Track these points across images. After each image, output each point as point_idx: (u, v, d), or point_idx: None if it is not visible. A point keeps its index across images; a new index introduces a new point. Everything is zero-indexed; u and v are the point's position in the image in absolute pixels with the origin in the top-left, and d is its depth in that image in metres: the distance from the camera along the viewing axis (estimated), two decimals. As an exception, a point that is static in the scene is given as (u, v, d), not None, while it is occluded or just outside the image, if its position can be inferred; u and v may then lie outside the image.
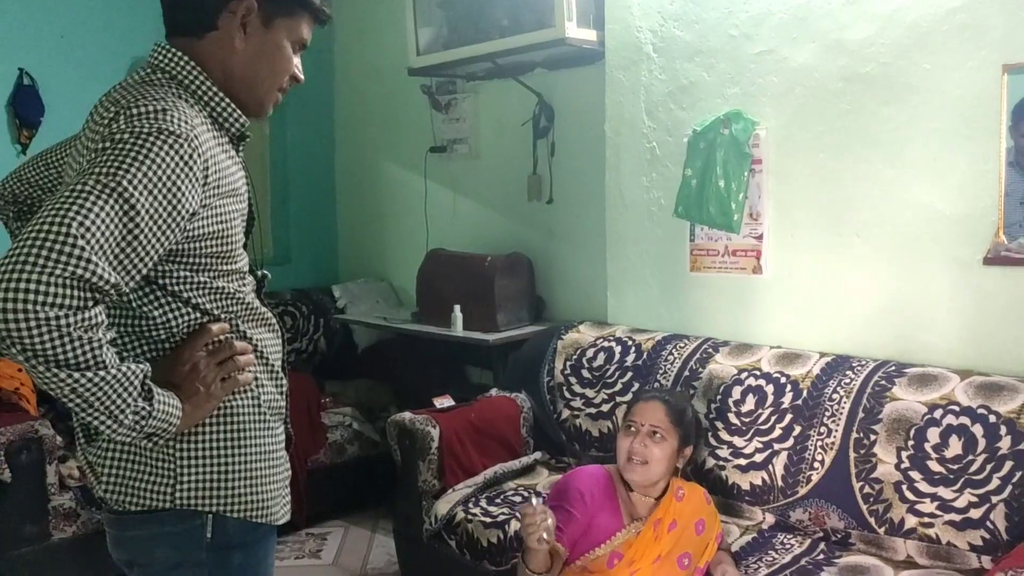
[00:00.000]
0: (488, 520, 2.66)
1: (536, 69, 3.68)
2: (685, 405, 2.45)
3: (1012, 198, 2.43)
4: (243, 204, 1.38)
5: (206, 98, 1.36)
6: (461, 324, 3.55)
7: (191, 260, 1.31)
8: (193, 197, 1.24)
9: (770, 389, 2.70)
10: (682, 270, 3.14)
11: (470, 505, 2.77)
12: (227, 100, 1.38)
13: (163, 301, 1.32)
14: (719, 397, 2.77)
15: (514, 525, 2.60)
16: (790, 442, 2.60)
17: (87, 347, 1.12)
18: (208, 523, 1.35)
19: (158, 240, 1.20)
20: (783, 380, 2.69)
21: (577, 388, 3.11)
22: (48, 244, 1.08)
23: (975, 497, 2.27)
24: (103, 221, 1.12)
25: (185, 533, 1.34)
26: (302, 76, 1.47)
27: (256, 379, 1.40)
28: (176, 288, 1.32)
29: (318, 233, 4.75)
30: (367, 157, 4.60)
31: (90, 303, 1.12)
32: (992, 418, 2.30)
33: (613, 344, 3.13)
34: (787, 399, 2.65)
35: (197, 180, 1.24)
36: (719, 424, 2.74)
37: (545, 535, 1.97)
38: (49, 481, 2.86)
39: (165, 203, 1.19)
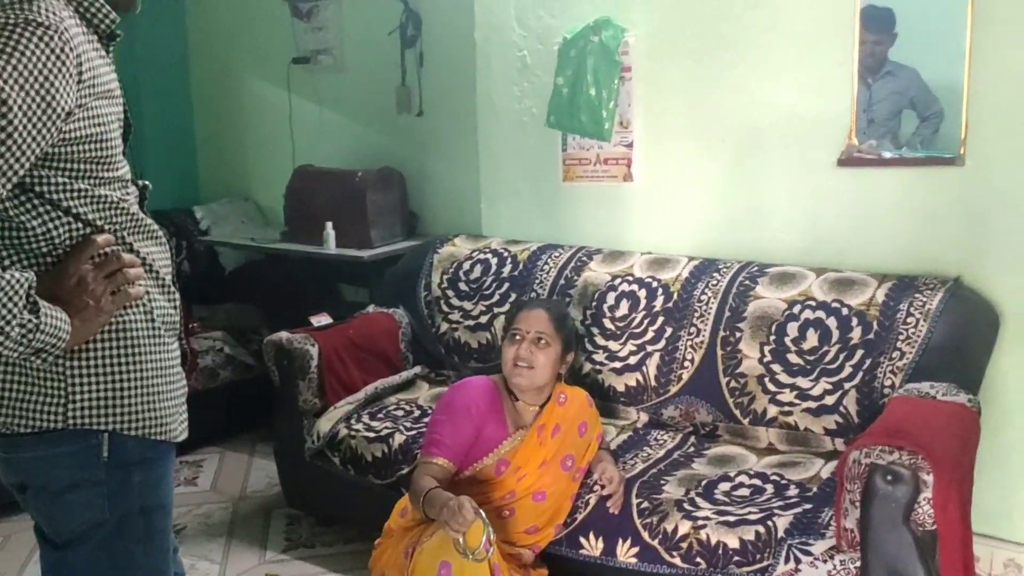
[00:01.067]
0: (372, 435, 2.67)
1: (402, -26, 3.56)
2: (566, 313, 2.52)
3: (861, 103, 2.55)
4: (119, 107, 1.31)
5: None
6: (334, 241, 3.47)
7: (69, 165, 1.24)
8: (68, 94, 1.16)
9: (643, 294, 2.78)
10: (555, 180, 3.16)
11: (352, 421, 2.76)
12: None
13: (41, 210, 1.24)
14: (594, 304, 2.84)
15: (398, 439, 2.61)
16: (662, 343, 2.70)
17: None
18: (104, 442, 1.30)
19: (33, 139, 1.13)
20: (654, 284, 2.78)
21: (455, 301, 3.12)
22: None
23: (830, 385, 2.44)
24: None
25: (81, 452, 1.30)
26: None
27: (147, 293, 1.35)
28: (55, 196, 1.24)
29: (175, 152, 4.48)
30: (225, 70, 4.35)
31: None
32: (845, 311, 2.46)
33: (489, 256, 3.14)
34: (659, 303, 2.74)
35: (71, 76, 1.17)
36: (595, 330, 2.81)
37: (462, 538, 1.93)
38: None
39: (38, 99, 1.12)
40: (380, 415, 2.80)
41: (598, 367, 2.78)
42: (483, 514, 1.92)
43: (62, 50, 1.16)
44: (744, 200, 2.80)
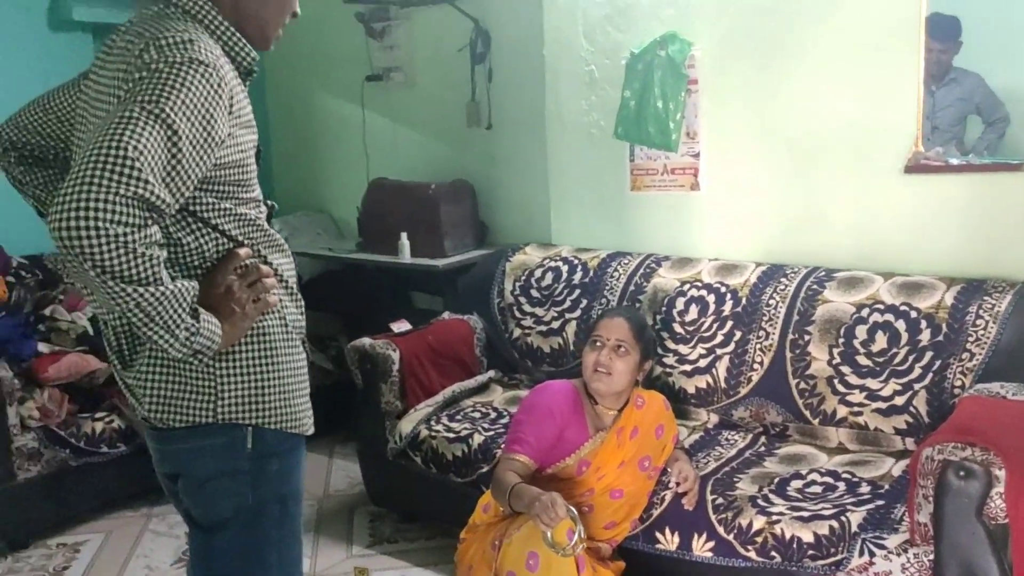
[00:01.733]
0: (452, 435, 2.80)
1: (471, -7, 3.70)
2: (646, 322, 2.60)
3: (926, 111, 2.61)
4: (255, 135, 1.46)
5: (219, 32, 1.42)
6: (408, 251, 3.62)
7: (217, 188, 1.39)
8: (223, 125, 1.32)
9: (711, 299, 2.87)
10: (623, 189, 3.27)
11: (432, 423, 2.89)
12: (239, 35, 1.45)
13: (195, 227, 1.39)
14: (664, 309, 2.94)
15: (477, 439, 2.74)
16: (731, 347, 2.78)
17: (148, 263, 1.21)
18: (248, 435, 1.45)
19: (197, 164, 1.28)
20: (723, 289, 2.87)
21: (527, 307, 3.24)
22: (109, 166, 1.16)
23: (899, 386, 2.50)
24: (153, 144, 1.20)
25: (228, 444, 1.45)
26: (299, 11, 1.54)
27: (280, 300, 1.49)
28: (206, 215, 1.39)
29: (253, 167, 4.69)
30: (301, 88, 4.53)
31: (149, 221, 1.21)
32: (913, 314, 2.52)
33: (560, 264, 3.26)
34: (727, 307, 2.83)
35: (225, 109, 1.32)
36: (665, 334, 2.91)
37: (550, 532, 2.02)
38: (11, 422, 2.86)
39: (202, 129, 1.27)
40: (458, 417, 2.93)
41: (668, 370, 2.87)
42: (574, 511, 2.02)
43: (219, 85, 1.31)
44: (810, 207, 2.87)
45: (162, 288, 1.24)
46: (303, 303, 1.59)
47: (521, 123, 3.66)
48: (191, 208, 1.38)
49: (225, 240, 1.42)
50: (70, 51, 3.90)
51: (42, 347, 3.11)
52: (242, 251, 1.42)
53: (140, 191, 1.18)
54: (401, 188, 3.78)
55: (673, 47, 3.00)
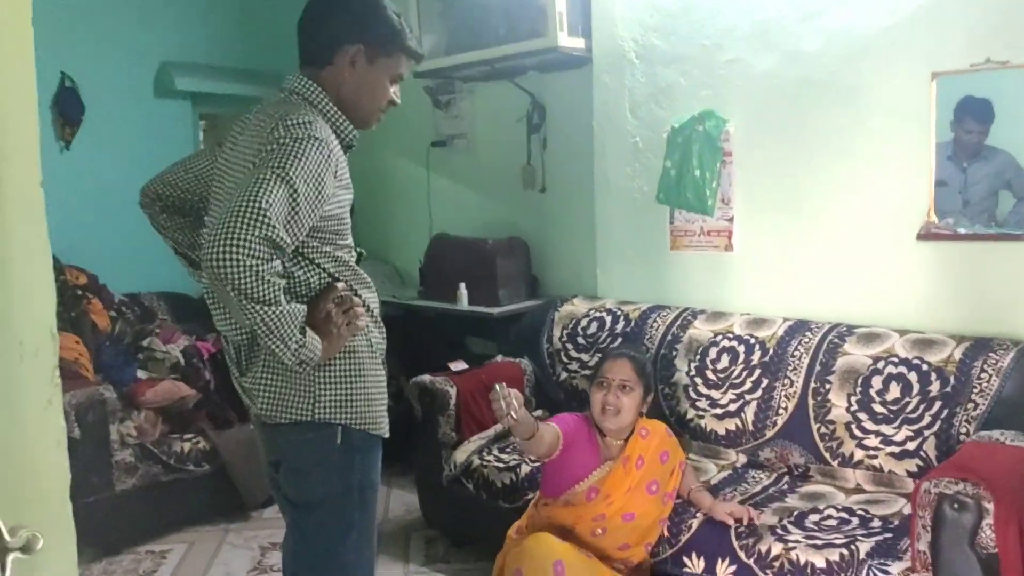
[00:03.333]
0: (501, 466, 3.09)
1: (528, 72, 4.09)
2: (646, 360, 2.80)
3: (943, 185, 2.88)
4: (351, 195, 1.83)
5: (328, 114, 1.81)
6: (466, 300, 3.97)
7: (321, 235, 1.75)
8: (330, 186, 1.69)
9: (741, 349, 3.15)
10: (663, 249, 3.59)
11: (484, 454, 3.19)
12: (343, 117, 1.83)
13: (304, 264, 1.76)
14: (698, 357, 3.22)
15: (524, 469, 3.03)
16: (759, 393, 3.06)
17: (273, 288, 1.56)
18: (338, 432, 1.78)
19: (309, 215, 1.65)
20: (752, 341, 3.15)
21: (573, 353, 3.55)
22: (248, 215, 1.53)
23: (911, 432, 2.74)
24: (278, 200, 1.57)
25: (322, 439, 1.77)
26: (399, 101, 1.92)
27: (367, 326, 1.83)
28: (312, 255, 1.76)
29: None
30: (375, 152, 4.95)
31: (274, 256, 1.57)
32: (925, 367, 2.77)
33: (604, 314, 3.58)
34: (756, 357, 3.11)
35: (332, 174, 1.69)
36: (698, 380, 3.19)
37: (513, 413, 2.21)
38: (112, 439, 3.24)
39: (314, 188, 1.64)
40: (507, 449, 3.23)
41: (701, 413, 3.15)
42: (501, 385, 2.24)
43: (329, 156, 1.68)
44: (832, 269, 3.16)
45: (280, 308, 1.58)
46: (384, 330, 1.93)
47: (572, 187, 4.02)
48: (302, 250, 1.74)
49: (325, 275, 1.78)
50: (173, 115, 4.38)
51: (140, 374, 3.50)
52: (339, 285, 1.78)
53: (268, 233, 1.54)
54: (461, 243, 4.15)
55: (710, 123, 3.35)
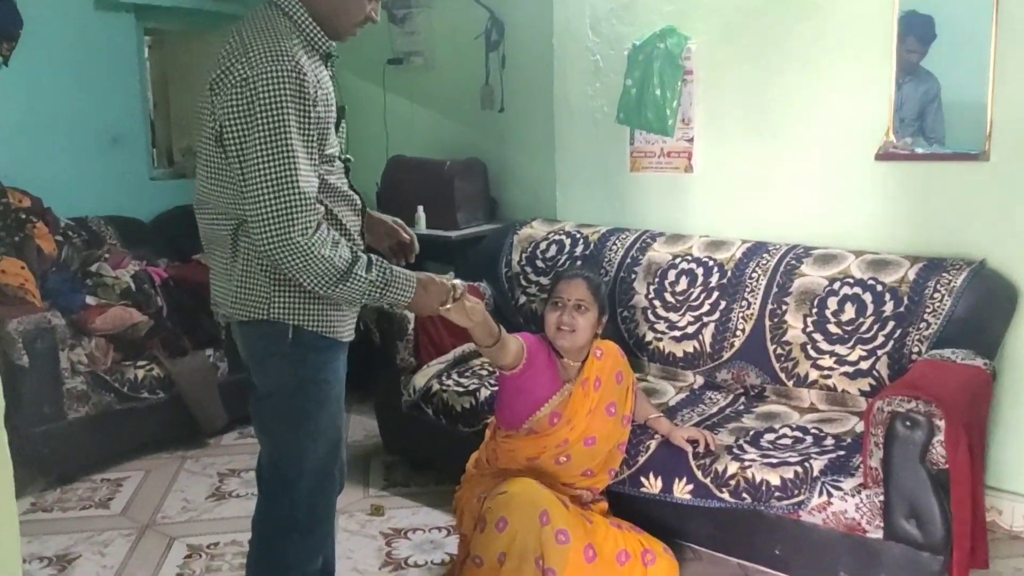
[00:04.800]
0: (461, 390, 3.08)
1: (486, -15, 3.96)
2: (601, 281, 2.73)
3: (895, 104, 2.86)
4: (333, 109, 1.85)
5: (302, 24, 1.82)
6: (424, 223, 3.91)
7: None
8: (310, 110, 1.75)
9: (700, 271, 3.15)
10: (623, 170, 3.55)
11: (443, 378, 3.18)
12: (317, 28, 1.82)
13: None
14: (657, 280, 3.22)
15: (484, 393, 3.02)
16: (716, 315, 3.07)
17: (343, 259, 1.77)
18: (289, 330, 1.83)
19: (314, 156, 1.79)
20: (711, 263, 3.15)
21: (532, 276, 3.53)
22: (289, 204, 1.71)
23: (864, 352, 2.77)
24: (292, 167, 1.72)
25: (275, 334, 1.84)
26: (377, 18, 1.91)
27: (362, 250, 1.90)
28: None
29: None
30: (324, 69, 4.82)
31: (322, 221, 1.78)
32: (879, 287, 2.80)
33: (563, 237, 3.54)
34: (714, 279, 3.11)
35: (312, 102, 1.75)
36: (657, 303, 3.19)
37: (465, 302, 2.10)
38: (62, 366, 3.17)
39: (308, 132, 1.77)
40: (467, 373, 3.22)
41: (659, 335, 3.16)
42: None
43: (302, 84, 1.73)
44: (792, 189, 3.15)
45: (357, 271, 1.75)
46: (362, 244, 1.96)
47: (531, 107, 3.93)
48: None
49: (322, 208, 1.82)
50: (115, 29, 4.17)
51: (89, 300, 3.40)
52: (457, 283, 1.99)
53: (311, 210, 1.70)
54: (418, 164, 4.06)
55: (671, 40, 3.27)
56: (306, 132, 1.72)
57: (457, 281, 2.03)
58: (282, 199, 1.68)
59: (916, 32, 2.81)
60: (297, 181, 1.68)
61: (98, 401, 3.27)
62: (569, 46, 3.61)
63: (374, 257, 1.81)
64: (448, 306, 1.98)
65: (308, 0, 1.83)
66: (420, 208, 3.90)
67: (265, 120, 1.69)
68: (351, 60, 4.64)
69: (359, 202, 1.94)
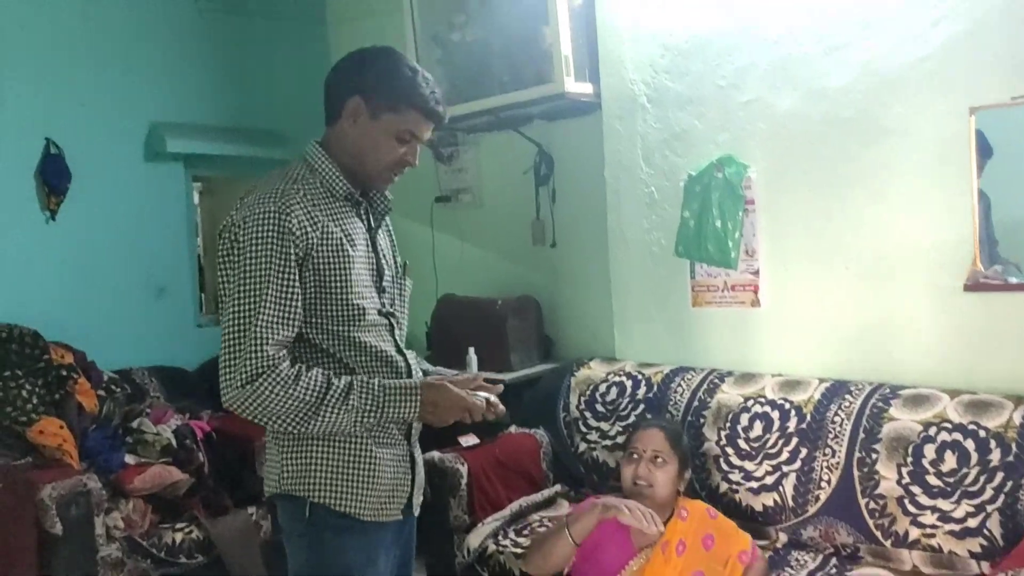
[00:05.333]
0: (519, 551, 2.82)
1: (534, 120, 3.90)
2: (681, 431, 2.61)
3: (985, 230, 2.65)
4: (349, 252, 1.76)
5: (321, 171, 1.76)
6: (476, 365, 3.73)
7: (327, 312, 1.79)
8: (291, 256, 1.70)
9: (775, 415, 2.89)
10: (684, 305, 3.34)
11: (499, 537, 2.93)
12: (337, 174, 1.76)
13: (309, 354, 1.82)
14: (728, 424, 2.96)
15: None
16: (797, 464, 2.78)
17: (311, 392, 1.67)
18: (306, 506, 1.68)
19: (293, 297, 1.72)
20: (787, 406, 2.88)
21: (592, 422, 3.29)
22: (241, 345, 1.64)
23: (971, 507, 2.45)
24: (256, 310, 1.67)
25: (294, 510, 1.72)
26: (416, 163, 1.83)
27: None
28: (316, 341, 1.81)
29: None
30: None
31: (285, 356, 1.69)
32: (982, 433, 2.50)
33: (624, 379, 3.32)
34: (792, 424, 2.84)
35: (292, 243, 1.68)
36: (729, 450, 2.92)
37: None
38: (97, 532, 2.99)
39: (282, 272, 1.69)
40: (525, 531, 2.96)
41: (735, 487, 2.87)
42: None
43: (281, 229, 1.66)
44: (870, 323, 2.89)
45: (329, 404, 1.63)
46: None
47: (584, 241, 3.80)
48: (306, 336, 1.72)
49: (335, 364, 1.74)
50: (165, 179, 4.21)
51: (128, 459, 3.26)
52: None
53: (268, 350, 1.59)
54: (469, 303, 3.92)
55: (730, 169, 3.12)
56: (287, 273, 1.62)
57: (481, 395, 1.85)
58: (234, 344, 1.58)
59: (982, 151, 2.62)
60: (254, 325, 1.58)
61: (134, 568, 3.08)
62: (622, 178, 3.49)
63: (358, 380, 1.67)
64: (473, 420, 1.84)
65: (334, 148, 1.79)
66: (471, 350, 3.73)
67: (240, 262, 1.62)
68: (397, 199, 4.58)
69: (403, 364, 1.79)
